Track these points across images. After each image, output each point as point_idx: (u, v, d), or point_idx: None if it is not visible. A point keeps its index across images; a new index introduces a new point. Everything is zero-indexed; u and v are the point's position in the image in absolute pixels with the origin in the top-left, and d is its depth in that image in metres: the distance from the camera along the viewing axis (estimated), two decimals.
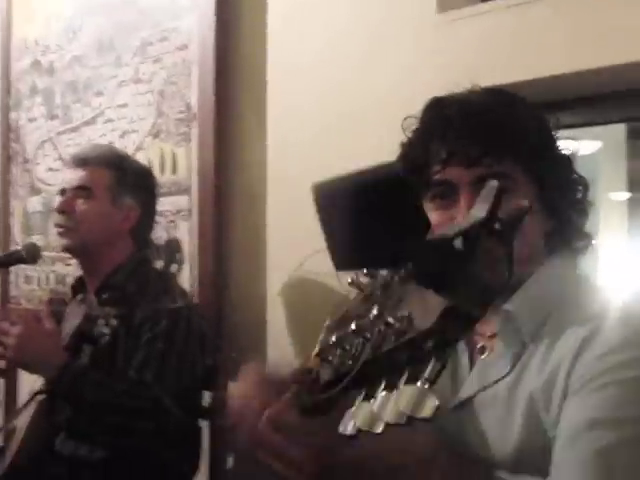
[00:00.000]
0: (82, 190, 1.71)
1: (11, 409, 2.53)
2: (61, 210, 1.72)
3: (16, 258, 1.77)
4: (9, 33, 2.77)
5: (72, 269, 2.43)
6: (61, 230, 1.73)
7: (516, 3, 1.51)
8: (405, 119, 1.04)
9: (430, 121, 1.00)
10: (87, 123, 2.42)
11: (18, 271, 2.66)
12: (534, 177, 0.95)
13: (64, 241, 1.74)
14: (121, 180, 1.74)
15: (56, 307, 2.42)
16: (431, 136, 0.98)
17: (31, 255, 1.76)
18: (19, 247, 1.82)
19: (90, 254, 1.74)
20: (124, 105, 2.28)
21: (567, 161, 1.01)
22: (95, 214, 1.71)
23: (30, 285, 2.66)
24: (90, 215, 1.71)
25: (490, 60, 1.51)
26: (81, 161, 1.74)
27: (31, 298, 2.66)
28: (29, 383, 2.54)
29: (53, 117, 2.57)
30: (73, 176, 1.73)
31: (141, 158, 2.17)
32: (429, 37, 1.61)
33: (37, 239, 2.61)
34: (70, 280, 2.43)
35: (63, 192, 1.75)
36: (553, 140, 1.00)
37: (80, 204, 1.71)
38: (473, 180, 0.93)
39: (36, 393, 1.69)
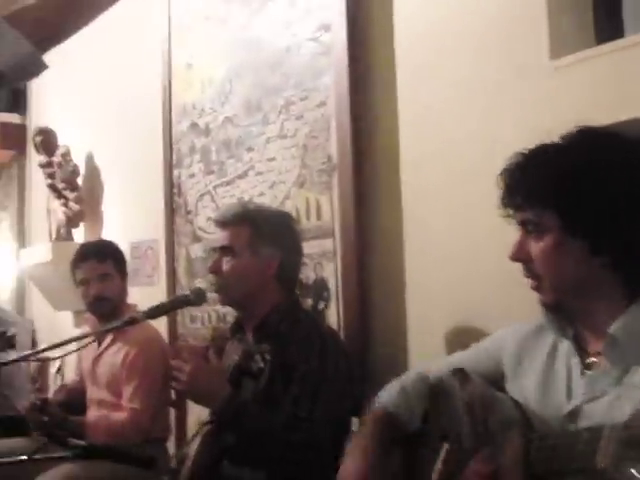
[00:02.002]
0: (225, 250, 1.97)
1: (181, 436, 2.81)
2: (212, 270, 1.99)
3: (185, 301, 2.04)
4: (170, 100, 3.14)
5: (230, 309, 2.71)
6: (214, 288, 1.99)
7: (631, 44, 1.61)
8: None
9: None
10: (240, 176, 2.70)
11: (184, 311, 2.97)
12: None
13: (219, 299, 2.00)
14: (258, 233, 1.95)
15: (220, 343, 2.71)
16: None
17: (198, 298, 2.02)
18: (187, 292, 2.07)
19: (243, 303, 1.99)
20: (272, 159, 2.54)
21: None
22: (239, 271, 1.95)
23: (195, 324, 2.97)
24: (235, 273, 1.95)
25: (605, 100, 1.61)
26: (221, 223, 2.00)
27: (196, 336, 2.97)
28: (196, 413, 2.84)
29: (210, 172, 2.89)
30: (218, 237, 2.00)
31: (288, 206, 2.42)
32: (544, 84, 1.73)
33: (199, 282, 2.93)
34: (229, 318, 2.72)
35: (214, 251, 2.02)
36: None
37: (225, 263, 1.96)
38: (520, 222, 1.18)
39: (204, 424, 1.91)
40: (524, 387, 1.25)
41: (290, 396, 1.76)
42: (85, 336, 2.14)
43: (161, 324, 2.84)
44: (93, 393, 2.85)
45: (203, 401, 1.85)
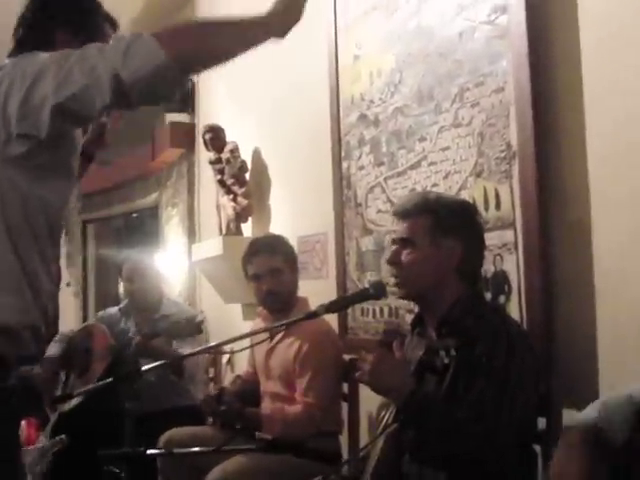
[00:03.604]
0: (405, 241, 1.95)
1: (354, 430, 2.83)
2: (390, 262, 1.97)
3: (365, 295, 2.05)
4: (337, 92, 3.17)
5: (404, 303, 2.70)
6: (394, 280, 1.98)
7: None
8: None
9: None
10: (412, 167, 2.68)
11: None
12: None
13: (399, 291, 1.99)
14: (439, 224, 1.91)
15: (390, 338, 2.70)
16: None
17: (378, 292, 2.02)
18: (367, 286, 2.08)
19: (424, 297, 1.96)
20: (446, 148, 2.50)
21: None
22: (419, 263, 1.92)
23: (366, 317, 2.98)
24: (415, 265, 1.92)
25: None
26: (400, 214, 1.97)
27: (367, 329, 2.98)
28: (368, 407, 2.85)
29: (380, 164, 2.88)
30: (397, 228, 1.98)
31: (465, 197, 2.37)
32: None
33: (370, 275, 2.95)
34: (402, 312, 2.72)
35: (393, 242, 2.01)
36: None
37: (405, 255, 1.94)
38: None
39: (386, 427, 1.90)
40: None
41: (475, 394, 1.72)
42: (264, 330, 2.20)
43: (331, 317, 2.87)
44: (267, 386, 2.94)
45: (386, 394, 1.84)
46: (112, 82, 1.36)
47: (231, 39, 1.53)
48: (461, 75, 2.43)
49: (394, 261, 1.96)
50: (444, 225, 1.92)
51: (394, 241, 2.00)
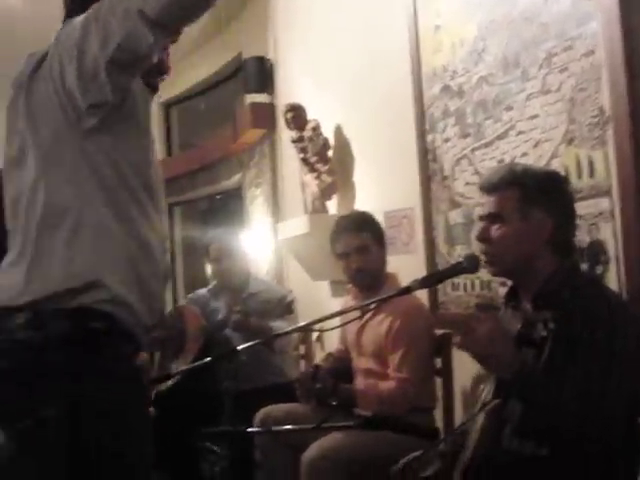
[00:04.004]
0: (494, 217, 1.90)
1: (449, 405, 2.83)
2: (480, 239, 1.94)
3: (459, 269, 2.02)
4: (419, 65, 3.14)
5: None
6: (486, 259, 1.95)
7: None
8: None
9: None
10: (499, 137, 2.63)
11: None
12: None
13: (491, 269, 1.96)
14: (527, 196, 1.86)
15: (482, 311, 2.68)
16: None
17: (472, 265, 2.00)
18: (461, 259, 2.06)
19: (516, 272, 1.92)
20: (535, 116, 2.44)
21: None
22: (509, 238, 1.87)
23: (457, 292, 2.97)
24: (505, 240, 1.88)
25: None
26: (487, 189, 1.93)
27: (459, 303, 2.96)
28: (462, 382, 2.84)
29: (466, 135, 2.84)
30: (485, 203, 1.94)
31: (556, 165, 2.32)
32: None
33: (460, 249, 2.92)
34: (494, 285, 2.69)
35: (481, 218, 1.97)
36: None
37: (494, 230, 1.90)
38: None
39: (485, 403, 1.87)
40: None
41: (580, 369, 1.68)
42: (357, 308, 2.21)
43: (422, 292, 2.85)
44: (359, 362, 2.96)
45: (491, 366, 1.77)
46: (142, 20, 1.38)
47: None
48: (548, 39, 2.37)
49: (483, 238, 1.93)
50: (532, 197, 1.87)
51: (482, 217, 1.96)
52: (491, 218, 1.92)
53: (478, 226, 1.98)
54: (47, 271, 1.46)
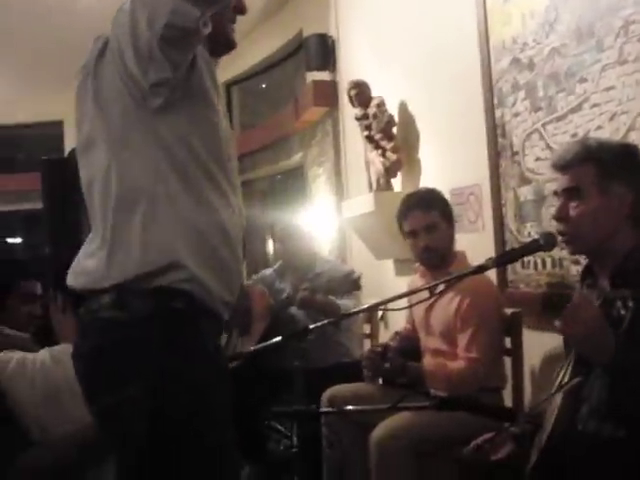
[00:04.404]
0: (571, 191, 1.84)
1: (518, 385, 2.79)
2: (558, 217, 1.88)
3: (535, 247, 1.98)
4: (487, 38, 3.07)
5: (567, 253, 2.60)
6: (563, 238, 1.89)
7: None
8: None
9: None
10: (573, 110, 2.56)
11: None
12: None
13: (569, 248, 1.90)
14: (604, 171, 1.80)
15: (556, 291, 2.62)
16: None
17: (549, 243, 1.95)
18: (537, 237, 2.01)
19: (597, 250, 1.86)
20: (611, 88, 2.36)
21: None
22: (589, 214, 1.82)
23: (527, 270, 2.91)
24: (584, 217, 1.82)
25: None
26: (561, 166, 1.87)
27: (528, 282, 2.90)
28: (531, 362, 2.80)
29: (537, 109, 2.77)
30: (560, 180, 1.88)
31: (634, 138, 2.25)
32: None
33: (530, 226, 2.86)
34: (566, 263, 2.63)
35: (556, 195, 1.91)
36: None
37: (573, 208, 1.84)
38: None
39: (563, 385, 1.83)
40: None
41: None
42: (427, 287, 2.19)
43: (491, 270, 2.81)
44: (428, 342, 2.94)
45: (592, 351, 1.69)
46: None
47: None
48: (625, 7, 2.28)
49: (561, 216, 1.87)
50: (611, 171, 1.81)
51: (557, 194, 1.90)
52: (568, 194, 1.86)
53: (554, 203, 1.93)
54: (126, 256, 1.48)
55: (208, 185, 1.55)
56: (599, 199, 1.82)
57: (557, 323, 1.69)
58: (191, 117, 1.54)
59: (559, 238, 1.93)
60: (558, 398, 1.79)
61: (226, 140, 1.63)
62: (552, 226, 2.61)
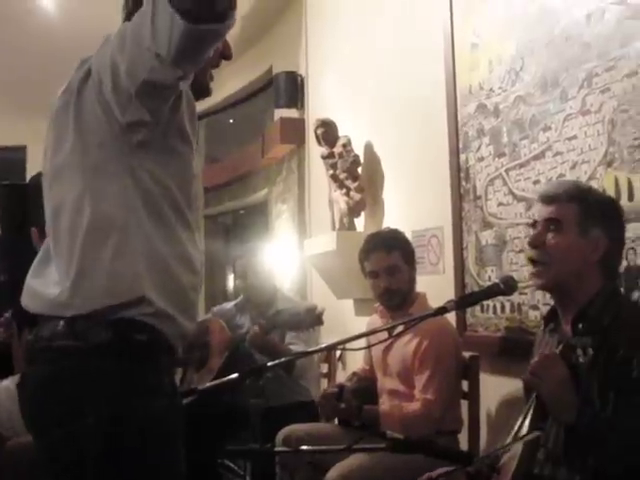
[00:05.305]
0: (552, 222, 1.88)
1: (474, 429, 2.78)
2: (533, 244, 1.90)
3: (496, 291, 2.00)
4: (454, 82, 3.12)
5: (526, 298, 2.63)
6: (535, 268, 1.91)
7: None
8: None
9: None
10: (536, 157, 2.60)
11: None
12: None
13: (538, 279, 1.92)
14: (588, 212, 1.85)
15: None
16: None
17: (509, 287, 1.97)
18: (497, 281, 2.03)
19: (563, 288, 1.89)
20: (573, 137, 2.41)
21: None
22: (565, 248, 1.85)
23: (486, 314, 2.92)
24: (560, 249, 1.85)
25: None
26: (549, 198, 1.91)
27: (487, 326, 2.92)
28: (487, 405, 2.80)
29: (501, 155, 2.81)
30: (543, 210, 1.91)
31: (595, 187, 2.28)
32: None
33: (491, 270, 2.88)
34: (525, 309, 2.65)
35: (534, 224, 1.94)
36: None
37: (550, 238, 1.87)
38: None
39: (522, 436, 1.82)
40: None
41: (623, 398, 1.64)
42: (386, 328, 2.18)
43: (450, 313, 2.83)
44: (385, 382, 2.93)
45: (557, 409, 1.73)
46: (159, 60, 1.34)
47: None
48: (589, 59, 2.34)
49: (537, 244, 1.89)
50: (593, 215, 1.86)
51: (535, 224, 1.93)
52: (547, 224, 1.89)
53: (514, 249, 1.95)
54: (92, 286, 1.44)
55: (177, 220, 1.54)
56: (577, 238, 1.86)
57: (524, 377, 1.72)
58: (166, 154, 1.53)
59: (532, 268, 1.94)
60: (518, 446, 1.79)
61: (197, 178, 1.63)
62: (512, 271, 2.67)
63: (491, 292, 2.01)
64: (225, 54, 1.69)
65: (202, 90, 1.69)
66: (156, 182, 1.51)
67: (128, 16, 1.57)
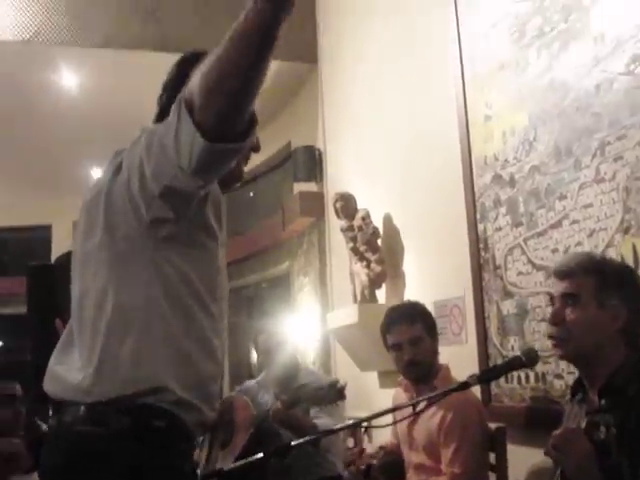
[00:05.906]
0: (569, 297, 1.88)
1: None
2: (553, 321, 1.90)
3: (518, 364, 1.99)
4: (469, 153, 3.17)
5: (550, 367, 2.61)
6: (554, 342, 1.92)
7: None
8: None
9: None
10: (553, 227, 2.62)
11: None
12: None
13: (559, 351, 1.92)
14: (604, 283, 1.85)
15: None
16: None
17: (530, 359, 1.97)
18: (518, 353, 2.03)
19: (584, 359, 1.88)
20: (589, 205, 2.44)
21: None
22: (584, 321, 1.85)
23: (510, 384, 2.90)
24: (580, 323, 1.85)
25: None
26: (564, 273, 1.91)
27: (512, 396, 2.89)
28: (515, 475, 2.75)
29: (518, 225, 2.84)
30: (559, 286, 1.92)
31: (612, 255, 2.29)
32: None
33: (513, 340, 2.88)
34: (549, 378, 2.63)
35: (552, 300, 1.95)
36: None
37: (569, 313, 1.87)
38: None
39: None
40: None
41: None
42: (410, 404, 2.18)
43: None
44: (411, 457, 2.89)
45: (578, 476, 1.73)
46: (182, 171, 1.40)
47: (236, 57, 1.31)
48: (601, 129, 2.38)
49: (556, 321, 1.89)
50: (610, 286, 1.86)
51: (552, 299, 1.94)
52: (565, 299, 1.89)
53: (536, 318, 1.95)
54: (113, 375, 1.48)
55: (200, 311, 1.58)
56: (595, 310, 1.85)
57: (546, 451, 1.71)
58: (191, 248, 1.57)
59: (550, 342, 1.94)
60: None
61: (222, 269, 1.67)
62: (535, 340, 2.67)
63: (513, 365, 2.00)
64: (255, 147, 1.75)
65: (233, 180, 1.76)
66: (179, 274, 1.55)
67: (161, 112, 1.65)
